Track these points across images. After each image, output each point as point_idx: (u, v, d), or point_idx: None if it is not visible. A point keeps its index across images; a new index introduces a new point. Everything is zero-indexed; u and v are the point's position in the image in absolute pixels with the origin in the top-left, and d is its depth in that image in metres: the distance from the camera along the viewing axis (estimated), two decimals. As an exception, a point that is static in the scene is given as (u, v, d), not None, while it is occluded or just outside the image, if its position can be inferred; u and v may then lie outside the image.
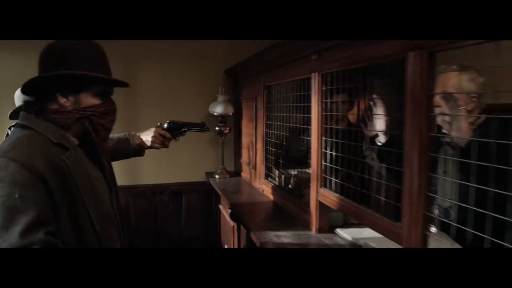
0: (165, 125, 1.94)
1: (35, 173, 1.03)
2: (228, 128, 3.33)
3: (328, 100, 1.81)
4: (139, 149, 1.84)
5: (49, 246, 1.01)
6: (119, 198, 1.41)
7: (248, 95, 3.08)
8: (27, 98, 1.23)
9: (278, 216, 2.22)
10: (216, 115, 3.29)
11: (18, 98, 1.92)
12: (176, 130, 1.95)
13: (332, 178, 1.78)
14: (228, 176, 3.36)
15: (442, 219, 1.31)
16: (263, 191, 2.73)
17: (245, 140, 3.24)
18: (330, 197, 1.76)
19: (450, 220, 1.59)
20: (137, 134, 1.86)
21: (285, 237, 1.85)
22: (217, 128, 3.30)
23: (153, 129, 1.87)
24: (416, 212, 1.19)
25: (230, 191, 2.87)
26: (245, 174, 3.28)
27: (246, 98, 3.17)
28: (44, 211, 1.03)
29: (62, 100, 1.19)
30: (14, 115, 1.50)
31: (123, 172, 3.34)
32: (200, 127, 2.02)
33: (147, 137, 1.84)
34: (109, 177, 1.35)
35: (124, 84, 1.33)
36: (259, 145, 2.81)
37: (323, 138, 1.83)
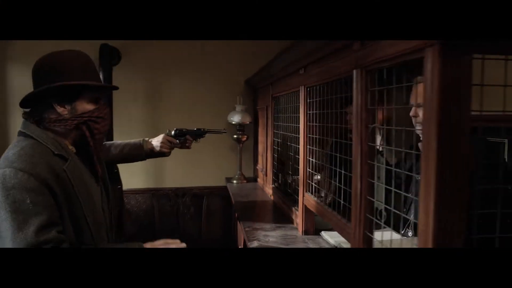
0: (172, 132, 2.23)
1: (41, 181, 1.18)
2: (245, 136, 3.52)
3: (311, 111, 1.94)
4: (151, 153, 2.11)
5: (61, 242, 1.17)
6: (110, 201, 1.54)
7: (262, 105, 3.26)
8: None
9: (274, 218, 2.37)
10: (234, 124, 3.49)
11: None
12: (180, 136, 2.25)
13: (311, 183, 1.92)
14: (245, 181, 3.55)
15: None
16: (271, 195, 2.89)
17: (260, 148, 3.43)
18: (311, 201, 1.89)
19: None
20: (149, 140, 2.13)
21: (272, 237, 2.01)
22: (235, 136, 3.50)
23: (162, 136, 2.14)
24: (359, 214, 1.31)
25: (241, 195, 3.06)
26: (260, 180, 3.45)
27: (260, 108, 3.36)
28: (53, 213, 1.19)
29: (60, 109, 1.31)
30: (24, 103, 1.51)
31: (149, 176, 3.65)
32: (199, 134, 2.32)
33: (157, 142, 2.11)
34: (102, 181, 1.49)
35: (114, 88, 1.51)
36: (269, 152, 2.98)
37: (308, 146, 1.97)
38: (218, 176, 3.73)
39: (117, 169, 2.49)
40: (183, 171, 3.69)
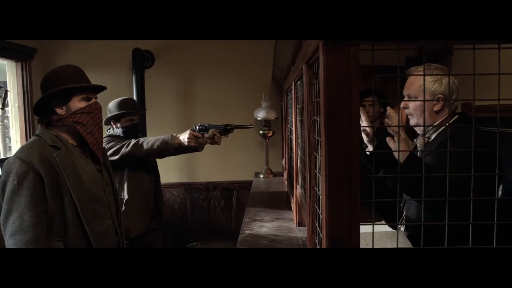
0: (197, 127, 2.47)
1: (30, 166, 1.50)
2: (271, 132, 3.60)
3: (300, 106, 1.99)
4: (179, 148, 2.39)
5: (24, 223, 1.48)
6: (114, 185, 1.83)
7: (282, 101, 3.33)
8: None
9: (279, 210, 2.44)
10: (260, 120, 3.59)
11: (109, 109, 2.53)
12: (204, 130, 2.48)
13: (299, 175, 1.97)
14: (272, 176, 3.63)
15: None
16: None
17: (284, 143, 3.49)
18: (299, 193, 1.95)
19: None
20: (177, 135, 2.40)
21: (266, 227, 2.10)
22: (261, 132, 3.60)
23: (188, 131, 2.41)
24: (310, 204, 1.36)
25: (261, 188, 3.17)
26: (285, 174, 3.52)
27: (282, 103, 3.43)
28: (32, 193, 1.50)
29: (59, 110, 1.63)
30: (37, 110, 1.75)
31: (182, 171, 3.89)
32: (224, 129, 2.53)
33: (184, 137, 2.38)
34: (104, 168, 1.77)
35: (102, 88, 1.75)
36: (284, 146, 3.04)
37: (299, 141, 2.02)
38: (248, 171, 3.86)
39: (156, 162, 2.72)
40: (214, 167, 3.87)
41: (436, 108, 1.66)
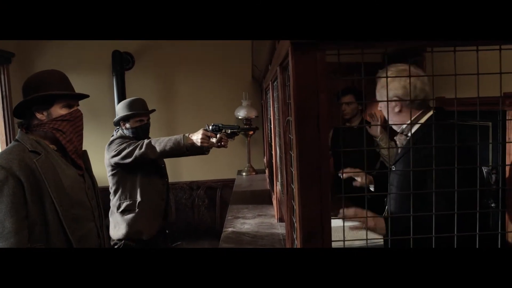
0: (210, 127, 2.44)
1: (10, 173, 1.49)
2: (253, 127, 3.66)
3: (276, 105, 2.05)
4: (192, 148, 2.33)
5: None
6: (96, 188, 1.82)
7: (262, 99, 3.39)
8: (19, 120, 1.70)
9: (260, 207, 2.50)
10: (240, 118, 3.64)
11: (119, 110, 2.53)
12: (217, 131, 2.44)
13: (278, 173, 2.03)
14: (254, 173, 3.69)
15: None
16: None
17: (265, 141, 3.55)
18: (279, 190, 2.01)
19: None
20: (190, 135, 2.35)
21: (248, 224, 2.15)
22: (244, 127, 3.65)
23: (201, 131, 2.35)
24: (287, 201, 1.42)
25: (244, 186, 3.22)
26: (267, 171, 3.58)
27: (262, 102, 3.49)
28: (13, 199, 1.48)
29: (39, 115, 1.61)
30: (16, 113, 1.70)
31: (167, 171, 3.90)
32: (236, 128, 2.50)
33: (196, 137, 2.33)
34: (85, 171, 1.76)
35: (84, 96, 1.75)
36: (265, 144, 3.10)
37: (277, 140, 2.08)
38: (230, 169, 3.91)
39: (164, 164, 2.71)
40: (198, 166, 3.91)
41: (396, 109, 1.72)
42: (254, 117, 3.64)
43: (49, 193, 1.56)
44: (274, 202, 2.19)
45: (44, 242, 1.54)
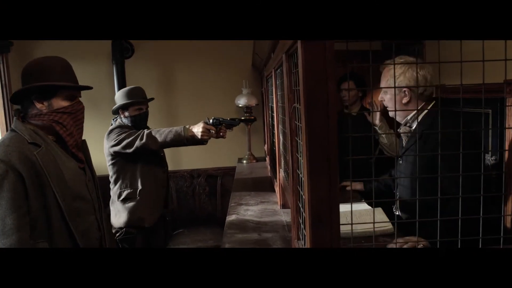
0: (210, 121, 2.47)
1: (9, 166, 1.40)
2: (252, 118, 3.68)
3: (280, 92, 2.06)
4: (193, 140, 2.38)
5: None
6: (96, 180, 1.77)
7: (262, 87, 3.39)
8: (17, 106, 1.63)
9: (263, 194, 2.53)
10: (241, 106, 3.65)
11: (117, 98, 2.54)
12: (217, 124, 2.48)
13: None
14: (255, 161, 3.72)
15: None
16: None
17: (266, 128, 3.57)
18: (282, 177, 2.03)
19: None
20: (190, 127, 2.38)
21: (251, 211, 2.18)
22: (242, 118, 3.67)
23: (201, 124, 2.39)
24: (293, 186, 1.45)
25: (244, 173, 3.25)
26: (267, 159, 3.61)
27: (263, 90, 3.49)
28: (14, 195, 1.42)
29: (39, 105, 1.53)
30: (14, 100, 1.62)
31: (167, 159, 3.92)
32: (235, 123, 2.55)
33: (197, 130, 2.37)
34: (86, 163, 1.71)
35: (88, 88, 1.69)
36: (266, 132, 3.12)
37: (280, 127, 2.10)
38: (231, 157, 3.94)
39: (163, 152, 2.75)
40: (198, 154, 3.92)
41: (404, 100, 1.74)
42: (254, 105, 3.65)
43: (51, 187, 1.49)
44: (277, 189, 2.22)
45: (46, 238, 1.49)
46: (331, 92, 0.99)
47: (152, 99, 2.68)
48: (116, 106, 2.51)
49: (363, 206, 2.03)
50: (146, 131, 2.36)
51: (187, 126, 2.38)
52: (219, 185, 3.92)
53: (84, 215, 1.63)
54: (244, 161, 3.73)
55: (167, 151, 3.84)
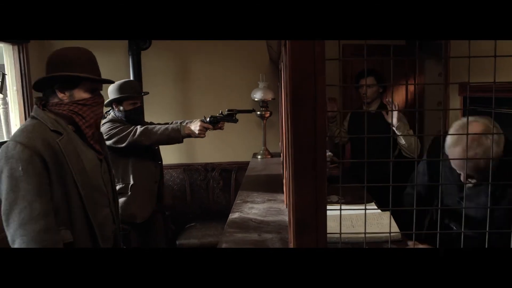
0: (208, 119, 2.49)
1: (34, 151, 1.42)
2: (268, 112, 3.60)
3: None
4: (188, 137, 2.43)
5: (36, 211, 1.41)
6: (111, 173, 1.78)
7: (279, 81, 3.31)
8: (39, 94, 1.65)
9: (272, 191, 2.46)
10: (257, 100, 3.58)
11: (111, 92, 2.51)
12: (215, 123, 2.50)
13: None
14: (269, 156, 3.64)
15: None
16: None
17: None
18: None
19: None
20: (187, 125, 2.41)
21: (256, 209, 2.12)
22: (258, 112, 3.59)
23: (198, 122, 2.41)
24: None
25: (258, 169, 3.18)
26: (282, 155, 3.53)
27: (279, 84, 3.41)
28: (40, 180, 1.43)
29: (60, 95, 1.56)
30: (36, 86, 1.64)
31: (181, 152, 3.91)
32: (232, 119, 2.57)
33: (194, 128, 2.40)
34: (102, 154, 1.72)
35: (109, 81, 1.72)
36: (283, 128, 3.04)
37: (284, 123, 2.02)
38: (246, 151, 3.88)
39: (158, 147, 2.73)
40: (213, 148, 3.89)
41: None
42: (270, 99, 3.57)
43: (72, 176, 1.51)
44: (285, 187, 2.15)
45: (68, 226, 1.50)
46: (320, 89, 0.91)
47: (147, 93, 2.66)
48: (109, 99, 2.47)
49: (371, 210, 1.94)
50: (139, 127, 2.35)
51: (184, 124, 2.40)
52: (233, 180, 3.87)
53: (100, 207, 1.64)
54: (259, 157, 3.66)
55: (184, 145, 3.85)
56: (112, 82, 1.76)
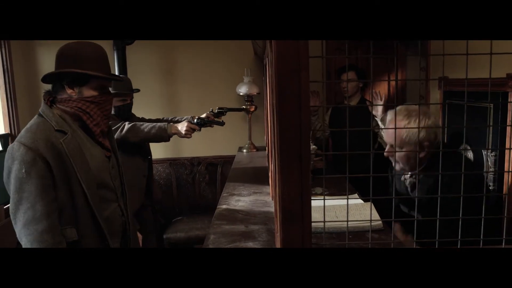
0: (195, 120, 2.55)
1: (37, 154, 1.42)
2: (253, 107, 3.63)
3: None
4: (174, 135, 2.48)
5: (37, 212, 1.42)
6: (120, 167, 1.77)
7: (264, 76, 3.34)
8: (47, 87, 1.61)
9: (258, 184, 2.50)
10: (242, 95, 3.61)
11: None
12: (202, 125, 2.59)
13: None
14: (255, 150, 3.69)
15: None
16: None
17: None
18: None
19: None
20: (174, 125, 2.46)
21: (243, 201, 2.16)
22: (243, 107, 3.63)
23: (186, 123, 2.45)
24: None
25: (243, 163, 3.22)
26: (267, 148, 3.57)
27: (264, 78, 3.44)
28: (43, 182, 1.43)
29: (69, 91, 1.54)
30: (45, 80, 1.62)
31: (167, 146, 3.91)
32: (219, 122, 2.68)
33: (181, 129, 2.45)
34: (110, 151, 1.70)
35: (119, 79, 1.71)
36: (268, 122, 3.08)
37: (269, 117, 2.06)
38: (232, 145, 3.91)
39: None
40: (199, 142, 3.90)
41: (421, 155, 1.70)
42: (255, 94, 3.60)
43: (76, 175, 1.51)
44: (270, 180, 2.19)
45: (73, 224, 1.51)
46: (304, 84, 0.94)
47: (137, 90, 2.66)
48: None
49: (354, 201, 1.99)
50: (127, 124, 2.36)
51: (171, 124, 2.46)
52: (219, 173, 3.90)
53: (108, 202, 1.65)
54: (244, 150, 3.70)
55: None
56: (121, 79, 1.74)
